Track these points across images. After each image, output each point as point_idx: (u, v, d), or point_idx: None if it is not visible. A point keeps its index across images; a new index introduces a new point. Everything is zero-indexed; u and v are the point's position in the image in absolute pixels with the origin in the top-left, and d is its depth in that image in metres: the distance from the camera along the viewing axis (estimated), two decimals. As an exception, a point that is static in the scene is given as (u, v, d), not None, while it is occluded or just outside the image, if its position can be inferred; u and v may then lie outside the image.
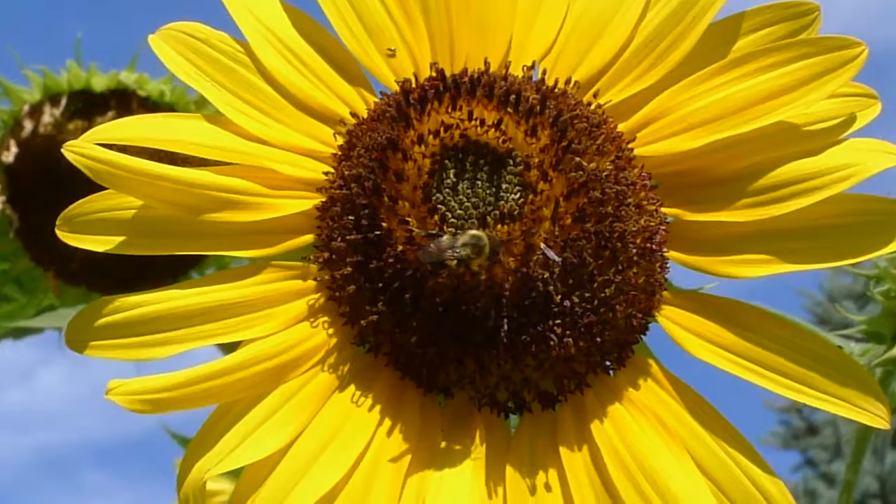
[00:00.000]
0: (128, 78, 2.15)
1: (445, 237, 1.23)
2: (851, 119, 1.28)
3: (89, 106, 2.14)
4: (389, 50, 1.33)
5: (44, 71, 2.15)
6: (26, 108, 2.14)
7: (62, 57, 2.19)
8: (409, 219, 1.25)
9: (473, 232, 1.23)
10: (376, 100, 1.34)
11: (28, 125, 2.13)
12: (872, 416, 1.25)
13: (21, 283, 2.28)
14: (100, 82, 2.14)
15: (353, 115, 1.33)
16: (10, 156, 2.13)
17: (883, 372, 1.81)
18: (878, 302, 1.72)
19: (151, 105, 2.12)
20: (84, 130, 1.99)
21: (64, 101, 2.13)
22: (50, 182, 1.85)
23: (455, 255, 1.22)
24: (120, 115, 2.12)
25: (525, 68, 1.34)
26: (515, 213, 1.25)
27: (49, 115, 2.12)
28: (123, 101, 2.14)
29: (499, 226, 1.24)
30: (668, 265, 1.33)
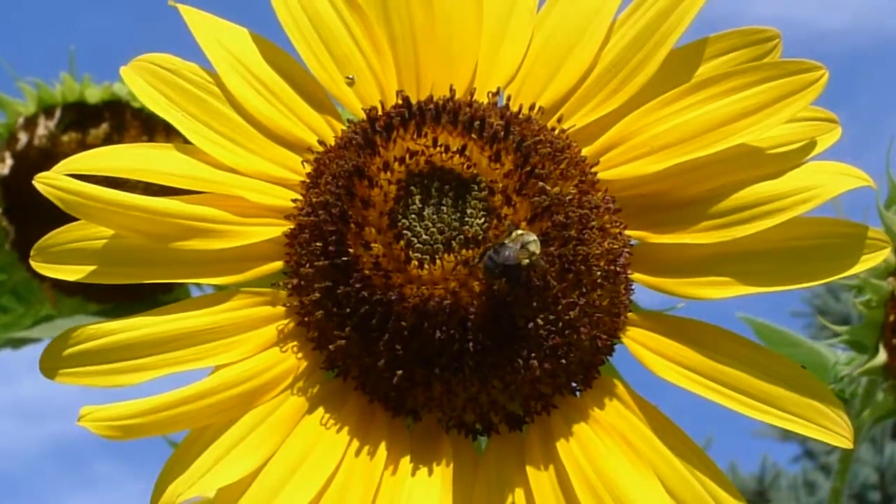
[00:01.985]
0: (122, 90, 2.17)
1: (508, 242, 1.25)
2: (812, 143, 1.30)
3: (84, 118, 2.16)
4: (348, 78, 1.36)
5: (38, 83, 2.17)
6: (21, 120, 2.16)
7: (56, 69, 2.21)
8: (375, 245, 1.26)
9: (521, 232, 1.26)
10: (344, 128, 1.36)
11: (23, 137, 2.15)
12: (836, 435, 1.27)
13: (18, 294, 2.30)
14: (94, 94, 2.16)
15: (321, 142, 1.35)
16: (5, 168, 2.15)
17: (868, 381, 1.82)
18: (860, 312, 1.74)
19: (145, 117, 2.14)
20: (78, 142, 2.03)
21: (58, 114, 2.15)
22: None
23: (526, 253, 1.24)
24: (114, 126, 2.15)
25: (490, 94, 1.36)
26: (480, 237, 1.27)
27: (44, 128, 2.14)
28: (117, 113, 2.16)
29: (463, 250, 1.26)
30: (632, 287, 1.34)
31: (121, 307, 2.08)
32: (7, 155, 2.16)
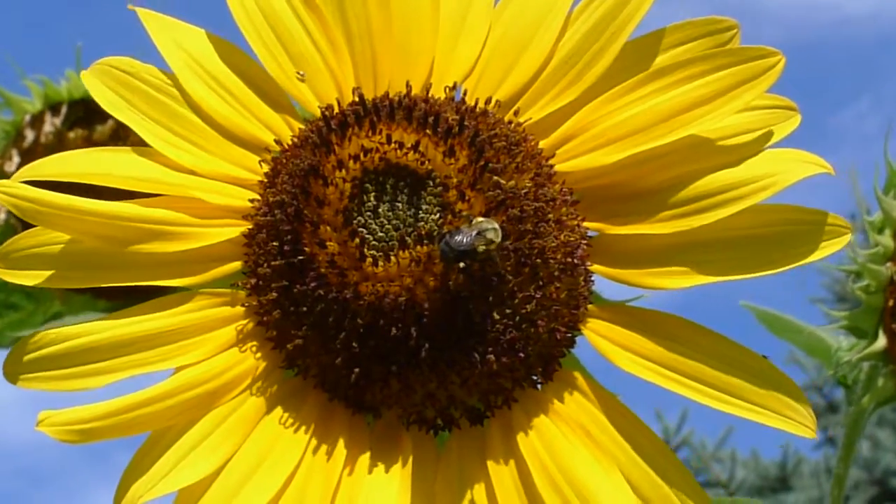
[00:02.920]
0: None
1: (464, 228, 1.25)
2: (770, 132, 1.29)
3: (89, 114, 2.16)
4: (299, 74, 1.36)
5: (44, 80, 2.18)
6: (27, 118, 2.17)
7: (62, 67, 2.22)
8: (330, 243, 1.26)
9: (481, 220, 1.26)
10: (301, 126, 1.36)
11: (29, 135, 2.16)
12: (799, 425, 1.27)
13: (28, 292, 2.32)
14: None
15: (278, 142, 1.36)
16: (12, 165, 2.16)
17: (869, 367, 1.81)
18: (859, 297, 1.73)
19: None
20: (84, 139, 2.04)
21: (64, 110, 2.16)
22: (52, 191, 1.89)
23: (483, 241, 1.24)
24: (119, 123, 2.16)
25: (447, 89, 1.36)
26: (435, 233, 1.26)
27: (50, 125, 2.15)
28: None
29: (418, 246, 1.26)
30: (592, 279, 1.34)
31: (130, 304, 2.09)
32: (14, 152, 2.17)
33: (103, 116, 2.16)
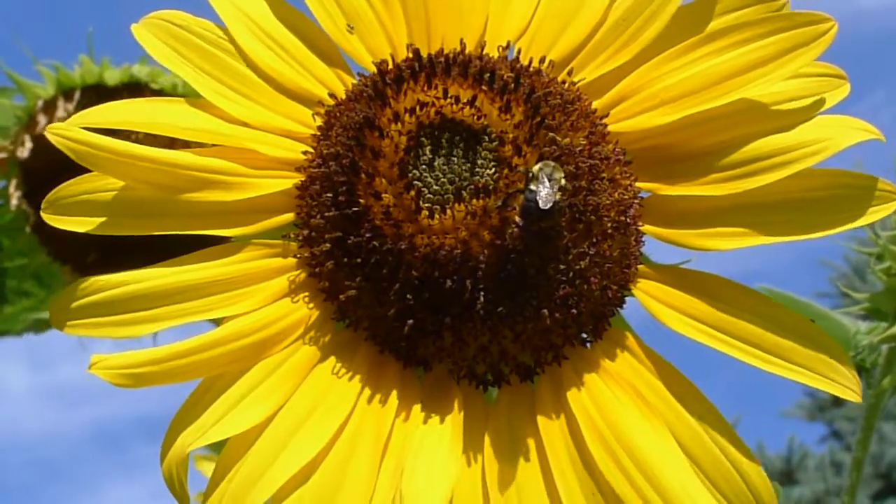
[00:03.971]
0: (140, 71, 2.17)
1: (532, 186, 1.25)
2: (822, 99, 1.30)
3: (102, 100, 2.15)
4: (349, 27, 1.36)
5: (56, 66, 2.17)
6: (40, 103, 2.17)
7: (75, 52, 2.22)
8: (385, 195, 1.27)
9: (541, 164, 1.26)
10: (354, 81, 1.37)
11: (42, 120, 2.15)
12: (844, 387, 1.27)
13: (39, 278, 2.31)
14: (112, 76, 2.16)
15: (332, 96, 1.36)
16: (25, 151, 2.15)
17: (889, 349, 1.82)
18: (879, 279, 1.74)
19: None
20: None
21: (77, 96, 2.16)
22: (65, 177, 1.88)
23: (557, 188, 1.25)
24: None
25: (500, 48, 1.36)
26: (490, 187, 1.27)
27: (63, 110, 2.14)
28: (136, 95, 2.15)
29: (474, 200, 1.26)
30: (643, 239, 1.35)
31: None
32: (27, 138, 2.16)
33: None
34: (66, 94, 2.17)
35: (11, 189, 2.19)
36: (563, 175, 1.26)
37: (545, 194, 1.24)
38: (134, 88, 2.17)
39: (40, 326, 2.35)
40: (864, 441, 1.94)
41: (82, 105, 2.14)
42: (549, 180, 1.25)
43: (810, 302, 2.05)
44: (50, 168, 1.92)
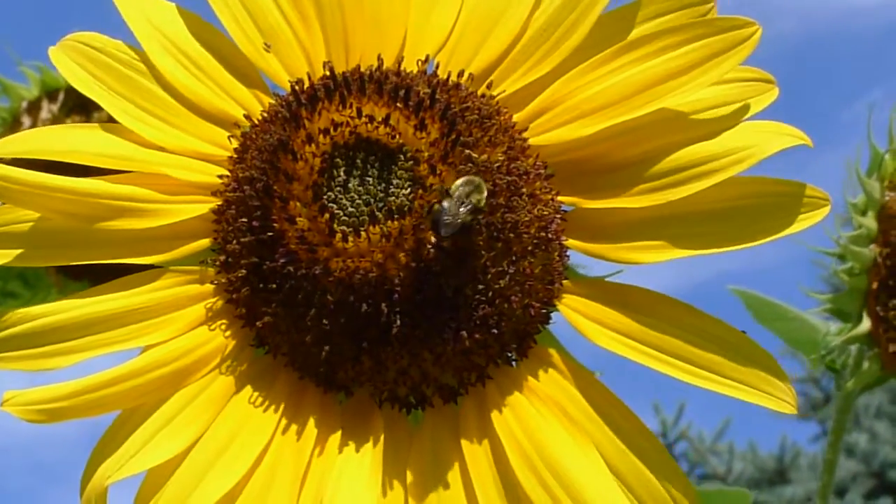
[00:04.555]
0: None
1: (445, 202, 1.22)
2: (746, 105, 1.27)
3: (87, 101, 2.14)
4: (265, 45, 1.34)
5: (41, 67, 2.16)
6: (24, 104, 2.16)
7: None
8: (300, 219, 1.25)
9: (463, 180, 1.24)
10: (272, 101, 1.34)
11: (26, 121, 2.14)
12: (780, 401, 1.24)
13: (25, 279, 2.30)
14: None
15: (248, 117, 1.34)
16: None
17: (857, 350, 1.80)
18: (842, 280, 1.71)
19: None
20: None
21: (61, 97, 2.15)
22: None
23: (468, 209, 1.22)
24: None
25: (420, 62, 1.33)
26: (406, 208, 1.25)
27: (47, 111, 2.14)
28: None
29: (389, 221, 1.24)
30: (567, 254, 1.32)
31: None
32: None
33: None
34: (51, 95, 2.17)
35: (-6, 191, 2.19)
36: (483, 196, 1.23)
37: (446, 219, 1.22)
38: None
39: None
40: (835, 443, 1.92)
41: (66, 106, 2.14)
42: (464, 200, 1.22)
43: (780, 303, 2.03)
44: (33, 169, 1.91)
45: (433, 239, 1.24)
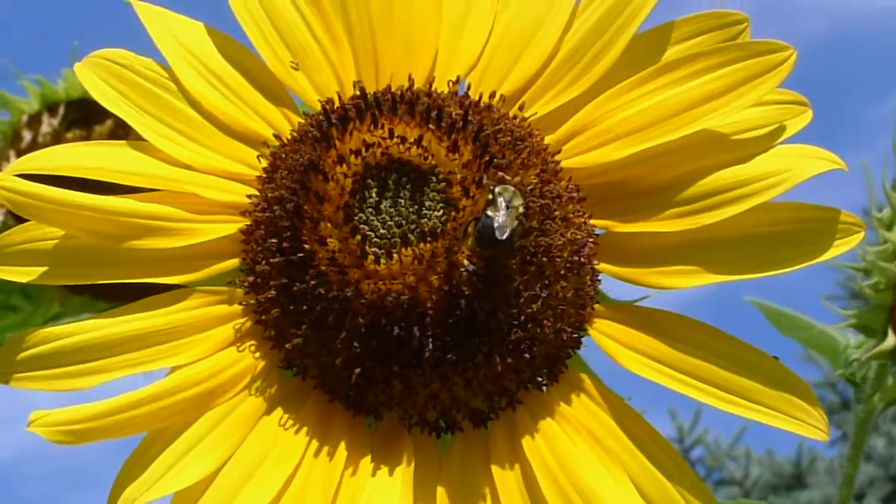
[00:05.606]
0: None
1: (489, 211, 1.22)
2: (782, 127, 1.26)
3: (87, 115, 2.13)
4: (293, 63, 1.33)
5: (41, 81, 2.15)
6: (24, 118, 2.14)
7: (59, 67, 2.19)
8: (331, 240, 1.23)
9: (501, 187, 1.23)
10: (301, 120, 1.33)
11: (27, 136, 2.13)
12: (811, 427, 1.24)
13: (27, 293, 2.29)
14: None
15: (277, 136, 1.33)
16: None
17: (878, 365, 1.79)
18: (867, 295, 1.71)
19: None
20: (83, 139, 2.02)
21: (62, 111, 2.13)
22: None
23: (514, 214, 1.22)
24: (119, 122, 2.12)
25: (450, 83, 1.32)
26: (438, 230, 1.23)
27: (47, 125, 2.12)
28: None
29: (421, 244, 1.23)
30: (598, 278, 1.31)
31: (130, 305, 2.07)
32: (12, 153, 2.14)
33: (101, 117, 2.13)
34: (51, 108, 2.15)
35: (-4, 205, 2.18)
36: (522, 203, 1.22)
37: (502, 221, 1.20)
38: None
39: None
40: (855, 457, 1.91)
41: (67, 119, 2.13)
42: (508, 207, 1.21)
43: (798, 314, 2.02)
44: (31, 177, 1.89)
45: (466, 262, 1.22)
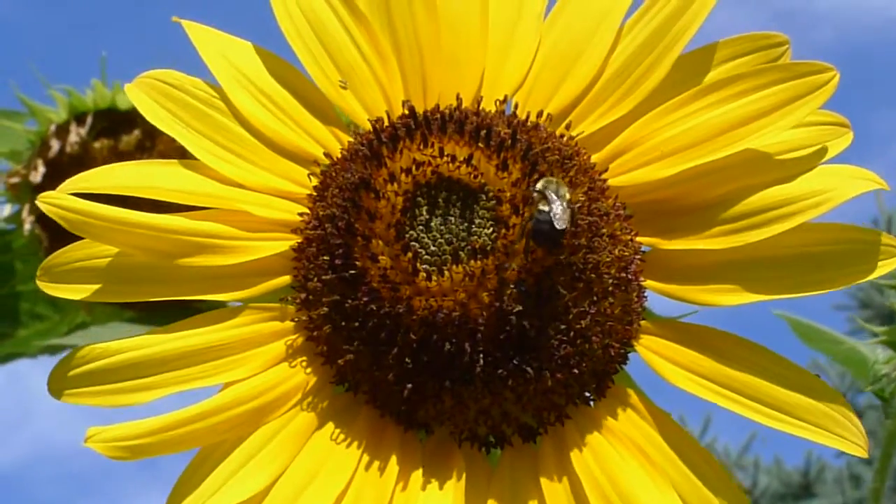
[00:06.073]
0: None
1: (541, 206, 1.24)
2: (824, 148, 1.28)
3: (115, 124, 2.15)
4: (341, 82, 1.34)
5: (69, 91, 2.16)
6: (53, 127, 2.15)
7: (88, 77, 2.21)
8: (382, 257, 1.25)
9: (545, 181, 1.26)
10: (350, 139, 1.35)
11: (55, 145, 2.14)
12: (852, 444, 1.26)
13: (53, 302, 2.31)
14: (125, 101, 2.14)
15: (327, 155, 1.34)
16: (38, 175, 2.14)
17: (905, 382, 1.80)
18: (896, 312, 1.72)
19: None
20: (110, 149, 2.03)
21: (90, 121, 2.14)
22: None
23: (565, 204, 1.24)
24: (146, 132, 2.14)
25: (497, 102, 1.34)
26: (488, 247, 1.25)
27: (75, 135, 2.13)
28: None
29: (472, 261, 1.24)
30: (645, 294, 1.33)
31: (155, 314, 2.08)
32: (39, 162, 2.16)
33: (129, 127, 2.15)
34: (79, 118, 2.16)
35: (25, 213, 2.19)
36: (567, 190, 1.25)
37: (559, 212, 1.23)
38: None
39: (54, 350, 2.35)
40: (882, 471, 1.93)
41: (95, 129, 2.14)
42: (557, 197, 1.23)
43: (825, 329, 2.04)
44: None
45: (516, 279, 1.24)
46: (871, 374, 1.82)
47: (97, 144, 2.14)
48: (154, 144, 2.15)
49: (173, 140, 2.03)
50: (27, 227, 2.18)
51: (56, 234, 2.15)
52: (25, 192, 2.19)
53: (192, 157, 1.34)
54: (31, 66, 2.24)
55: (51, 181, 2.13)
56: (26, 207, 2.19)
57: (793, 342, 2.09)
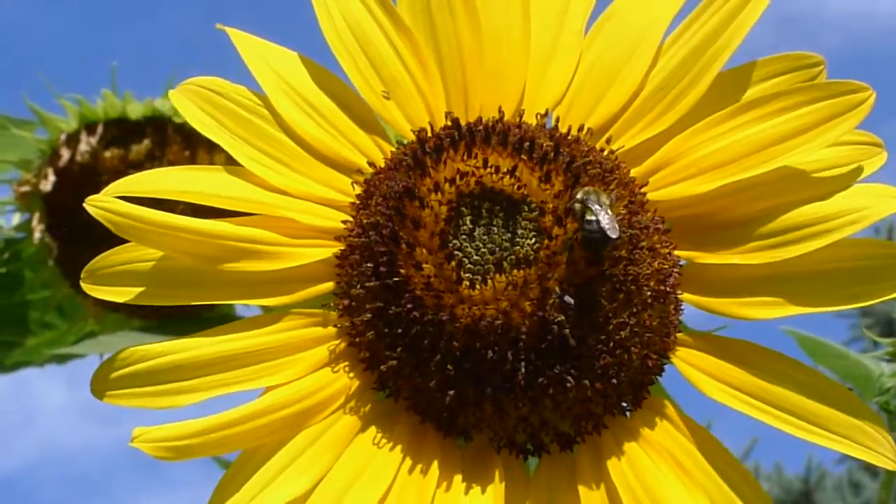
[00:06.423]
0: (163, 105, 2.17)
1: (588, 216, 1.26)
2: (859, 167, 1.31)
3: (125, 134, 2.16)
4: (384, 92, 1.36)
5: (79, 100, 2.17)
6: (63, 136, 2.17)
7: (98, 86, 2.22)
8: (426, 265, 1.27)
9: (584, 191, 1.28)
10: (393, 149, 1.37)
11: (65, 154, 2.15)
12: (881, 456, 1.28)
13: (62, 311, 2.32)
14: (135, 110, 2.17)
15: (371, 164, 1.36)
16: (48, 184, 2.15)
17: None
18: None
19: (187, 132, 2.14)
20: (121, 158, 2.05)
21: (100, 130, 2.16)
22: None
23: (609, 211, 1.26)
24: (156, 142, 2.16)
25: (538, 116, 1.36)
26: (531, 257, 1.27)
27: (86, 144, 2.14)
28: (159, 129, 2.16)
29: (515, 270, 1.26)
30: (682, 307, 1.35)
31: (164, 324, 2.09)
32: (49, 171, 2.17)
33: (139, 136, 2.16)
34: (89, 127, 2.18)
35: (34, 222, 2.20)
36: (606, 198, 1.27)
37: (607, 221, 1.25)
38: (157, 122, 2.18)
39: (62, 359, 2.36)
40: (888, 484, 1.95)
41: (105, 139, 2.15)
42: (600, 206, 1.25)
43: (832, 342, 2.06)
44: (72, 201, 1.92)
45: (558, 289, 1.26)
46: (877, 386, 1.85)
47: (107, 154, 2.15)
48: (164, 154, 2.16)
49: (183, 150, 2.06)
50: (37, 235, 2.19)
51: (66, 243, 2.16)
52: (35, 201, 2.20)
53: (231, 163, 1.35)
54: (40, 75, 2.25)
55: (60, 190, 2.14)
56: (36, 216, 2.21)
57: (798, 355, 2.11)
